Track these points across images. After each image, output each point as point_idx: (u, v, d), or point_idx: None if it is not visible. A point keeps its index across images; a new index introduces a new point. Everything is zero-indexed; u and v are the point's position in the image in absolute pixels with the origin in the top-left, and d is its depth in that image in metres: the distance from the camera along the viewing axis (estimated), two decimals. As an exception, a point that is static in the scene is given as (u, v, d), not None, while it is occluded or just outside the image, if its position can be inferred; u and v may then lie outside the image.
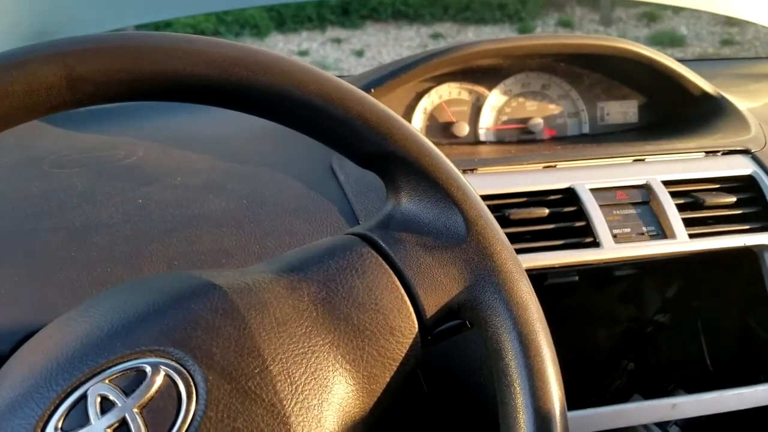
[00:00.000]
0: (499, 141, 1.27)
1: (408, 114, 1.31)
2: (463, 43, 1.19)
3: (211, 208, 0.97)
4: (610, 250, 0.98)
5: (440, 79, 1.22)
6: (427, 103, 1.23)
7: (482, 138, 1.26)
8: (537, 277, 1.00)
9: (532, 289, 0.62)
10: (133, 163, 1.06)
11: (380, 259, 0.64)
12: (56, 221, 0.92)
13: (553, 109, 1.29)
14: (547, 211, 1.00)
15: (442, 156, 0.65)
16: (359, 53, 6.74)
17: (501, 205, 1.02)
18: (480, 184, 1.03)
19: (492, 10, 7.50)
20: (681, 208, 0.97)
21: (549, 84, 1.28)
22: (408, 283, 0.63)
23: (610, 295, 1.24)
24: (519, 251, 0.96)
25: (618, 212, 1.03)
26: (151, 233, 0.93)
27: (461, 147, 1.27)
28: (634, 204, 1.04)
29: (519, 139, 1.27)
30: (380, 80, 1.18)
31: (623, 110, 1.32)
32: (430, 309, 0.63)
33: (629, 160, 1.10)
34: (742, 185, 1.02)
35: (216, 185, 1.01)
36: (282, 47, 6.83)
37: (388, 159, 0.65)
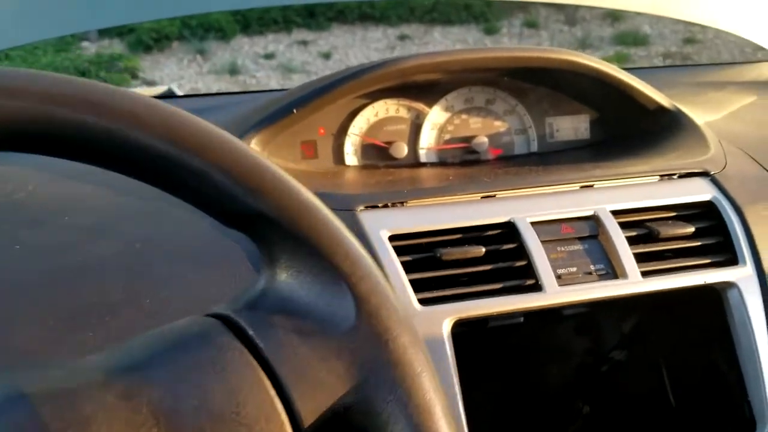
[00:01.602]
0: (441, 162, 1.15)
1: (340, 135, 1.14)
2: (396, 58, 1.04)
3: (99, 253, 0.80)
4: (553, 294, 0.83)
5: (375, 96, 1.06)
6: (361, 123, 1.07)
7: (423, 159, 1.11)
8: (477, 321, 0.84)
9: (438, 384, 0.46)
10: (20, 199, 0.89)
11: (246, 351, 0.48)
12: None
13: (499, 126, 1.18)
14: (483, 249, 0.85)
15: (327, 215, 0.49)
16: (326, 55, 6.56)
17: (433, 244, 0.86)
18: (409, 220, 0.88)
19: (458, 11, 7.35)
20: (633, 241, 0.83)
21: (494, 99, 1.13)
22: (281, 382, 0.47)
23: (561, 333, 1.09)
24: (452, 298, 0.81)
25: (563, 248, 0.87)
26: (25, 286, 0.76)
27: (399, 170, 1.11)
28: (581, 239, 0.88)
29: (462, 159, 1.16)
30: (304, 99, 1.01)
31: (573, 126, 1.22)
32: (309, 416, 0.47)
33: (576, 186, 0.94)
34: (701, 212, 0.88)
35: (108, 226, 0.84)
36: (248, 50, 6.63)
37: (258, 220, 0.49)
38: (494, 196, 0.94)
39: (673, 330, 1.06)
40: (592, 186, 0.92)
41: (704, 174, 0.95)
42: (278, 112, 1.02)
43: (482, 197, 0.94)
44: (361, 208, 0.89)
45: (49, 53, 6.55)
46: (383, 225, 0.87)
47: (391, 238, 0.87)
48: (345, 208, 0.89)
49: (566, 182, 0.93)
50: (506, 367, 1.08)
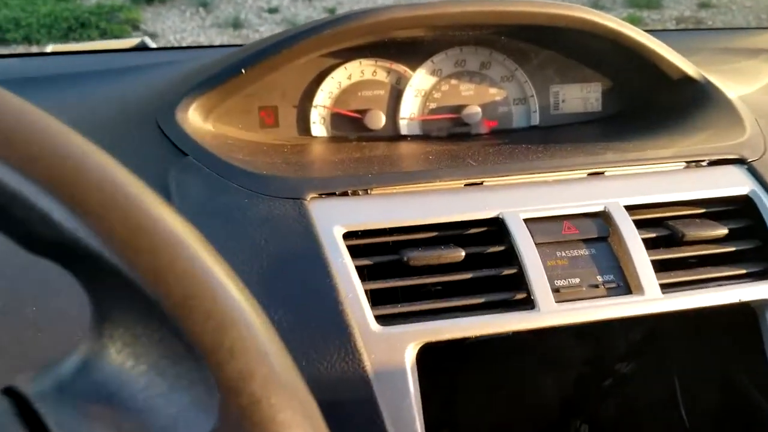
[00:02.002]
0: (425, 136, 1.00)
1: (305, 100, 0.95)
2: (366, 11, 0.83)
3: None
4: (548, 314, 0.65)
5: (348, 55, 0.92)
6: (331, 86, 0.90)
7: (403, 131, 0.99)
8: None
9: None
10: None
11: None
12: None
13: (495, 94, 1.01)
14: (463, 253, 0.66)
15: (184, 240, 0.30)
16: (331, 11, 6.28)
17: (400, 244, 0.68)
18: (372, 212, 0.69)
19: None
20: (651, 245, 0.71)
21: (489, 62, 0.98)
22: None
23: (558, 340, 0.90)
24: (420, 314, 0.62)
25: (564, 254, 0.69)
26: None
27: (373, 145, 0.92)
28: (587, 241, 0.70)
29: (450, 133, 1.00)
30: (255, 57, 0.82)
31: (582, 96, 1.05)
32: None
33: (583, 173, 0.75)
34: (735, 210, 0.70)
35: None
36: (251, 4, 6.36)
37: (76, 251, 0.29)
38: (481, 183, 0.75)
39: (691, 343, 0.88)
40: (602, 173, 0.74)
41: (739, 161, 0.77)
42: (223, 73, 0.83)
43: (466, 185, 0.74)
44: (313, 195, 0.71)
45: (49, 3, 6.31)
46: (338, 219, 0.69)
47: (347, 236, 0.68)
48: (292, 195, 0.70)
49: (571, 168, 0.75)
50: (492, 378, 0.90)
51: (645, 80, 0.95)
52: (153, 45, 1.86)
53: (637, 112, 0.99)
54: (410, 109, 0.98)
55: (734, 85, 1.03)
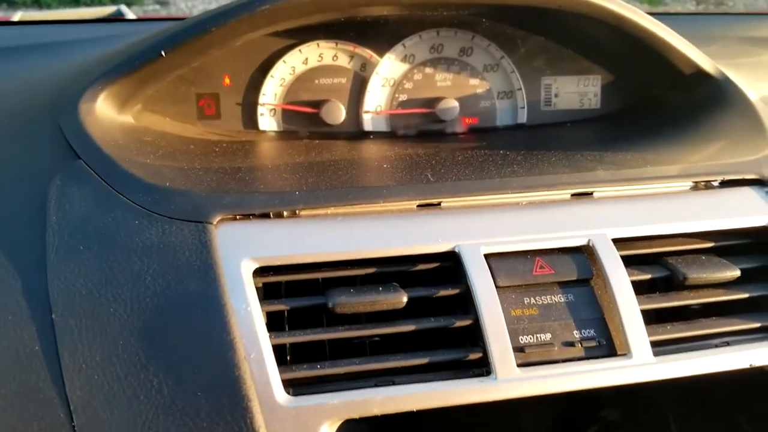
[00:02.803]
0: (391, 133, 0.87)
1: (252, 89, 0.79)
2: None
3: None
4: (507, 383, 0.49)
5: (304, 35, 0.84)
6: (283, 71, 0.85)
7: (366, 127, 0.88)
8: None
9: None
10: None
11: None
12: None
13: (476, 86, 0.88)
14: (405, 298, 0.51)
15: None
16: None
17: (326, 284, 0.51)
18: (293, 242, 0.53)
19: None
20: (645, 288, 0.58)
21: (470, 48, 0.88)
22: None
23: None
24: (344, 378, 0.48)
25: (533, 300, 0.54)
26: None
27: (327, 145, 0.76)
28: (564, 285, 0.55)
29: (422, 130, 0.87)
30: (179, 36, 0.66)
31: (579, 91, 0.91)
32: None
33: (566, 194, 0.59)
34: (751, 244, 0.54)
35: None
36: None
37: None
38: (438, 204, 0.59)
39: (691, 389, 0.72)
40: (590, 194, 0.58)
41: (759, 182, 0.61)
42: (139, 56, 0.67)
43: (419, 206, 0.58)
44: (222, 217, 0.55)
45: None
46: (249, 250, 0.53)
47: (260, 272, 0.52)
48: (194, 217, 0.54)
49: (552, 187, 0.59)
50: (458, 424, 0.75)
51: (651, 74, 0.83)
52: (130, 15, 1.69)
53: (641, 111, 0.85)
54: (376, 101, 0.84)
55: (757, 83, 0.85)
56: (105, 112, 0.69)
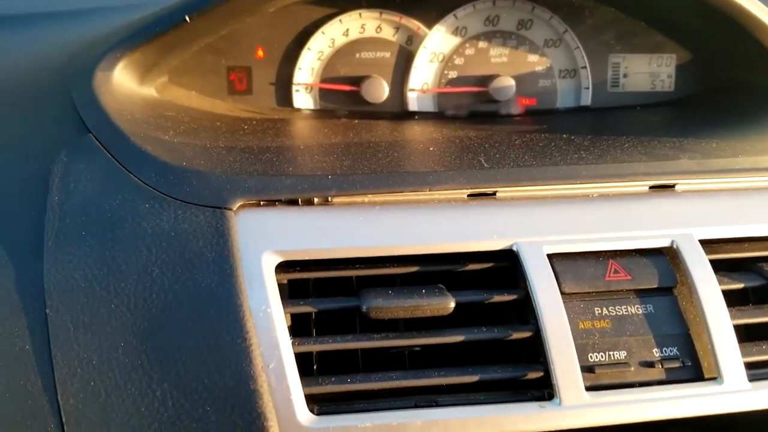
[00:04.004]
0: (439, 114, 0.79)
1: (289, 62, 0.72)
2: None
3: None
4: (573, 410, 0.40)
5: (346, 4, 0.77)
6: (321, 44, 0.77)
7: (411, 107, 0.80)
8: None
9: None
10: None
11: None
12: None
13: (535, 63, 0.79)
14: (452, 303, 0.42)
15: None
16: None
17: (363, 281, 0.44)
18: (326, 233, 0.46)
19: None
20: (737, 300, 0.50)
21: (530, 21, 0.80)
22: None
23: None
24: (377, 395, 0.40)
25: (605, 312, 0.46)
26: None
27: (373, 124, 0.69)
28: (642, 293, 0.47)
29: (473, 111, 0.79)
30: (206, 1, 0.58)
31: (651, 71, 0.81)
32: None
33: (644, 186, 0.50)
34: None
35: None
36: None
37: None
38: (493, 194, 0.50)
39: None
40: (672, 187, 0.49)
41: None
42: (161, 21, 0.60)
43: (470, 195, 0.50)
44: (243, 203, 0.47)
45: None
46: (272, 241, 0.46)
47: (283, 268, 0.45)
48: (211, 202, 0.47)
49: (627, 178, 0.50)
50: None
51: (738, 54, 0.74)
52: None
53: (721, 96, 0.76)
54: (423, 78, 0.76)
55: None
56: (123, 82, 0.62)
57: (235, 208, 0.48)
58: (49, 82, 0.62)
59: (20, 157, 0.55)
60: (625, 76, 0.80)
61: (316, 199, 0.49)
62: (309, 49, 0.75)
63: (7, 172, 0.54)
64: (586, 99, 0.79)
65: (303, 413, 0.42)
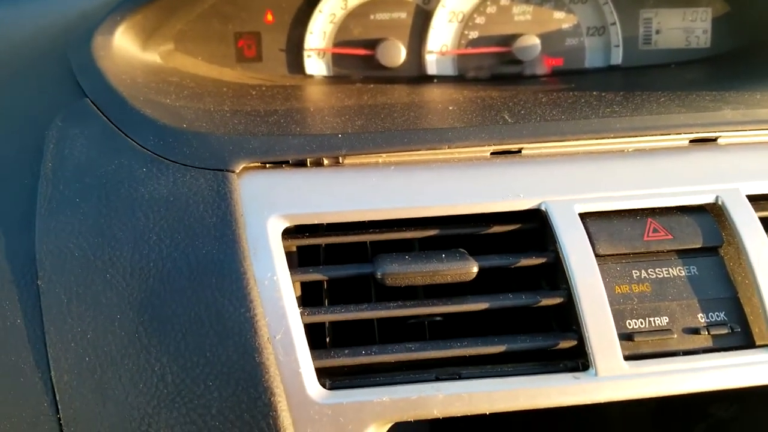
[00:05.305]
0: (459, 77, 0.74)
1: (299, 25, 0.68)
2: None
3: None
4: (611, 381, 0.36)
5: None
6: (333, 6, 0.74)
7: (430, 70, 0.75)
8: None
9: None
10: None
11: None
12: None
13: (561, 20, 0.74)
14: (475, 268, 0.39)
15: None
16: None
17: (378, 246, 0.40)
18: (336, 195, 0.42)
19: None
20: None
21: None
22: None
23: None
24: (394, 368, 0.36)
25: (644, 274, 0.41)
26: None
27: (389, 88, 0.65)
28: (684, 254, 0.41)
29: (496, 73, 0.74)
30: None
31: (685, 27, 0.75)
32: None
33: (684, 140, 0.45)
34: None
35: None
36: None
37: None
38: (519, 152, 0.46)
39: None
40: (714, 140, 0.45)
41: None
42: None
43: (493, 153, 0.46)
44: (247, 165, 0.44)
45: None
46: (278, 204, 0.42)
47: (290, 234, 0.41)
48: (213, 165, 0.43)
49: (665, 130, 0.45)
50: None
51: None
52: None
53: (761, 52, 0.66)
54: (441, 39, 0.72)
55: None
56: (125, 47, 0.59)
57: (238, 171, 0.44)
58: (48, 48, 0.59)
59: (16, 124, 0.52)
60: (657, 32, 0.75)
61: (325, 160, 0.46)
62: (320, 11, 0.71)
63: (3, 140, 0.51)
64: (617, 57, 0.74)
65: (313, 387, 0.39)
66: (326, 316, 0.41)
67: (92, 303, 0.41)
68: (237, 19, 0.70)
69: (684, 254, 0.44)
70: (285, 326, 0.39)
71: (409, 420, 0.38)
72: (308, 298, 0.43)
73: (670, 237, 0.44)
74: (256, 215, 0.42)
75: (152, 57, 0.63)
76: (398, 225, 0.45)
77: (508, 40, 0.72)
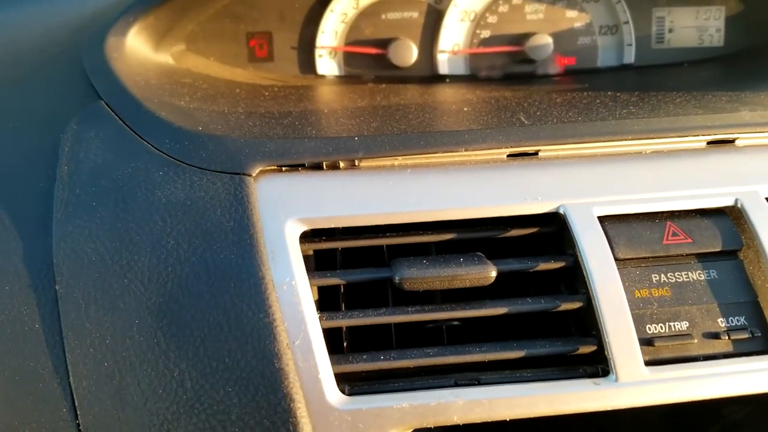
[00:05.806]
0: (472, 76, 0.74)
1: (310, 25, 0.68)
2: None
3: None
4: (632, 387, 0.36)
5: None
6: (345, 4, 0.74)
7: (442, 69, 0.75)
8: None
9: None
10: None
11: None
12: None
13: (574, 19, 0.74)
14: (493, 272, 0.39)
15: None
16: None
17: (395, 250, 0.40)
18: (353, 198, 0.42)
19: None
20: None
21: None
22: None
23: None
24: (413, 374, 0.36)
25: (664, 278, 0.41)
26: None
27: (402, 88, 0.65)
28: (704, 258, 0.41)
29: (508, 73, 0.74)
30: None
31: (698, 25, 0.75)
32: None
33: (701, 141, 0.45)
34: None
35: None
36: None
37: None
38: (535, 154, 0.46)
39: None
40: (732, 142, 0.44)
41: None
42: (173, -21, 0.56)
43: (510, 155, 0.46)
44: (263, 168, 0.44)
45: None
46: (295, 208, 0.42)
47: (308, 237, 0.41)
48: (229, 168, 0.43)
49: (682, 132, 0.45)
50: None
51: None
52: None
53: None
54: (453, 38, 0.73)
55: None
56: (137, 48, 0.58)
57: (254, 174, 0.44)
58: (61, 50, 0.59)
59: (30, 127, 0.52)
60: (670, 30, 0.75)
61: (342, 163, 0.46)
62: (332, 10, 0.70)
63: (17, 143, 0.51)
64: (629, 56, 0.73)
65: (333, 393, 0.39)
66: (345, 321, 0.41)
67: (110, 308, 0.41)
68: (248, 18, 0.70)
69: (703, 258, 0.44)
70: (304, 331, 0.39)
71: (429, 426, 0.38)
72: (326, 302, 0.43)
73: (689, 240, 0.43)
74: (273, 219, 0.42)
75: (165, 58, 0.63)
76: (415, 228, 0.44)
77: (521, 39, 0.72)
